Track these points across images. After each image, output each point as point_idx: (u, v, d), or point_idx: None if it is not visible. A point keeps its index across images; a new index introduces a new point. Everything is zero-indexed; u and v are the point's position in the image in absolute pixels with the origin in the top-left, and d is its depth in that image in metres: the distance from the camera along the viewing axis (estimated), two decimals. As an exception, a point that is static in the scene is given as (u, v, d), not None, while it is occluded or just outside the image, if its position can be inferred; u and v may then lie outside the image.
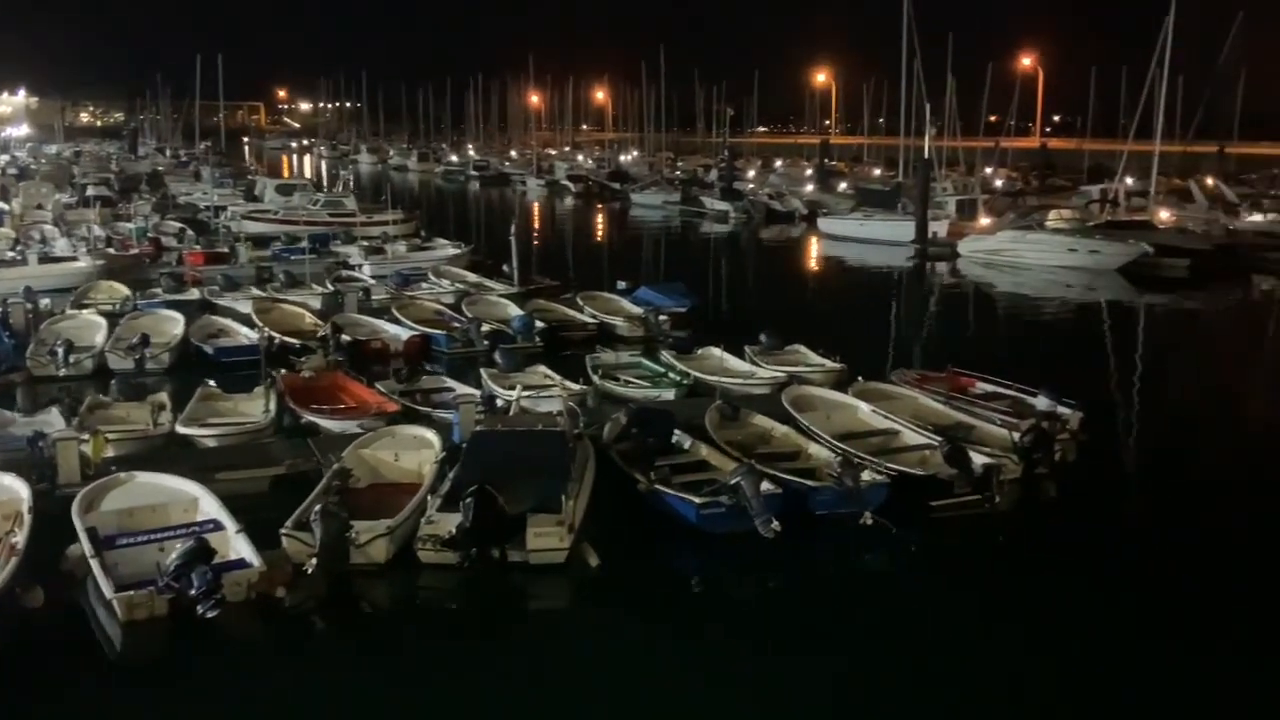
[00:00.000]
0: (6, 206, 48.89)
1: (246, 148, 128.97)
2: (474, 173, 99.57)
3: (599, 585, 13.24)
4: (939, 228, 45.76)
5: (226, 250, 37.35)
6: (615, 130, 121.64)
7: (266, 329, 24.23)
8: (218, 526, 13.31)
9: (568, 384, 20.39)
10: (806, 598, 13.33)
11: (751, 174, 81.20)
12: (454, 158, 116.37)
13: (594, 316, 27.99)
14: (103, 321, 25.71)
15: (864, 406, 18.87)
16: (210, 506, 13.83)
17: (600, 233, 62.80)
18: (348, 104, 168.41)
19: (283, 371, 20.58)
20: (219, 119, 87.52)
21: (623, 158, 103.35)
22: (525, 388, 19.50)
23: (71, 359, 22.29)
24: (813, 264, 48.18)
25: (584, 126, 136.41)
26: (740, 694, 10.89)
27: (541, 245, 50.86)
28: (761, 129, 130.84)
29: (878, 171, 79.73)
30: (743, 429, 17.82)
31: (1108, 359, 27.52)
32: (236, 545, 12.90)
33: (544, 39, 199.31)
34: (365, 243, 39.56)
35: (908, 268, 42.84)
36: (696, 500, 14.22)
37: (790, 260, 49.71)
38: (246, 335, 24.63)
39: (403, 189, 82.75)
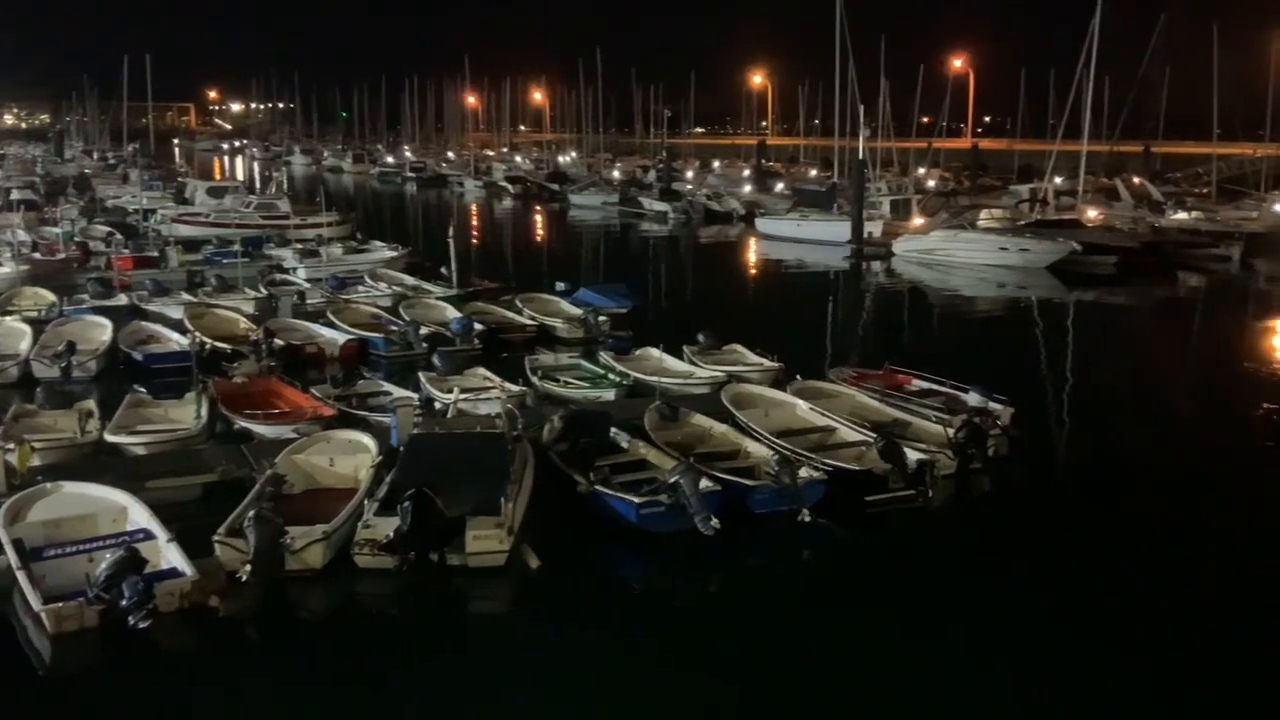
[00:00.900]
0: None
1: (177, 149, 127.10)
2: (411, 174, 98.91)
3: (539, 587, 13.23)
4: (874, 228, 46.35)
5: (156, 254, 36.64)
6: (553, 131, 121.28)
7: (198, 334, 23.81)
8: (148, 535, 13.07)
9: (507, 386, 20.33)
10: (746, 595, 13.44)
11: (690, 175, 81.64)
12: (390, 159, 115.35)
13: (533, 318, 27.94)
14: (27, 329, 25.13)
15: (802, 404, 19.07)
16: (140, 515, 13.58)
17: (539, 234, 62.63)
18: (280, 104, 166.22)
19: (215, 378, 20.29)
20: (148, 120, 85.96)
21: (561, 159, 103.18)
22: (464, 390, 19.46)
23: (-5, 367, 21.76)
24: (751, 264, 48.49)
25: (522, 128, 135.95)
26: (681, 692, 10.93)
27: (480, 247, 50.67)
28: (699, 130, 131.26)
29: (814, 172, 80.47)
30: (682, 428, 17.91)
31: (1038, 355, 28.08)
32: (168, 554, 12.68)
33: (481, 39, 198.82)
34: (300, 246, 39.12)
35: (844, 267, 43.31)
36: (636, 500, 14.26)
37: (728, 260, 50.00)
38: (177, 341, 24.19)
39: (338, 191, 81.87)
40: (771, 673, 11.31)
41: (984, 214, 47.62)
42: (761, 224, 54.22)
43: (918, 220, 47.95)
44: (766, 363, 22.25)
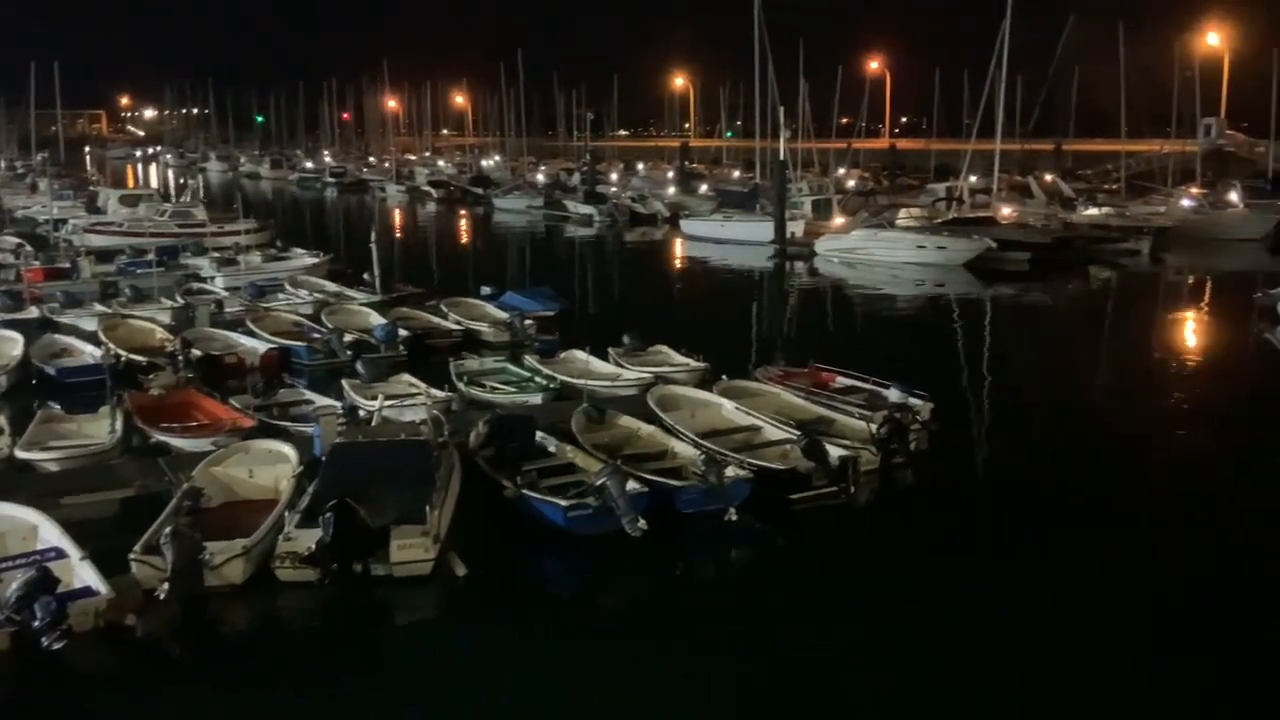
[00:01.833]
0: None
1: (88, 157, 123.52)
2: (331, 179, 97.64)
3: (466, 594, 13.13)
4: (796, 228, 46.81)
5: (68, 265, 35.71)
6: (476, 135, 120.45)
7: (113, 346, 23.26)
8: (60, 554, 12.71)
9: (433, 392, 20.11)
10: (674, 595, 13.52)
11: (614, 177, 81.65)
12: (310, 164, 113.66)
13: (459, 323, 27.75)
14: (-68, 344, 24.28)
15: (727, 404, 19.20)
16: (51, 534, 13.20)
17: (463, 238, 62.21)
18: (195, 110, 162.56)
19: (131, 391, 19.81)
20: (57, 128, 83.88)
21: (484, 162, 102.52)
22: (388, 397, 19.17)
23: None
24: (676, 265, 48.71)
25: (444, 131, 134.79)
26: (612, 695, 10.94)
27: (404, 252, 50.19)
28: (623, 132, 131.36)
29: (737, 173, 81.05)
30: (609, 430, 17.92)
31: (956, 351, 28.63)
32: (81, 573, 12.36)
33: (399, 42, 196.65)
34: (217, 254, 38.38)
35: (768, 267, 43.71)
36: (563, 503, 14.25)
37: (654, 262, 50.17)
38: (91, 354, 23.57)
39: (256, 197, 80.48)
40: (700, 672, 11.36)
41: (902, 213, 48.45)
42: (686, 225, 54.47)
43: (839, 220, 48.60)
44: (692, 363, 22.36)
